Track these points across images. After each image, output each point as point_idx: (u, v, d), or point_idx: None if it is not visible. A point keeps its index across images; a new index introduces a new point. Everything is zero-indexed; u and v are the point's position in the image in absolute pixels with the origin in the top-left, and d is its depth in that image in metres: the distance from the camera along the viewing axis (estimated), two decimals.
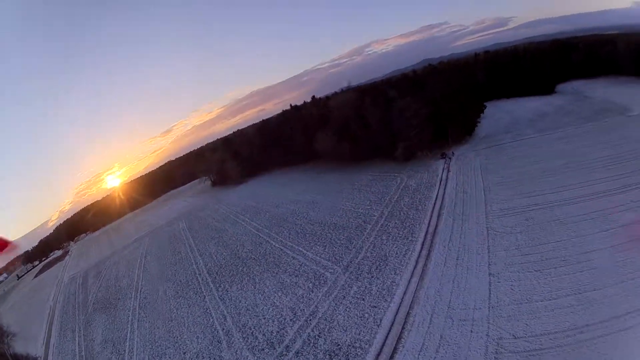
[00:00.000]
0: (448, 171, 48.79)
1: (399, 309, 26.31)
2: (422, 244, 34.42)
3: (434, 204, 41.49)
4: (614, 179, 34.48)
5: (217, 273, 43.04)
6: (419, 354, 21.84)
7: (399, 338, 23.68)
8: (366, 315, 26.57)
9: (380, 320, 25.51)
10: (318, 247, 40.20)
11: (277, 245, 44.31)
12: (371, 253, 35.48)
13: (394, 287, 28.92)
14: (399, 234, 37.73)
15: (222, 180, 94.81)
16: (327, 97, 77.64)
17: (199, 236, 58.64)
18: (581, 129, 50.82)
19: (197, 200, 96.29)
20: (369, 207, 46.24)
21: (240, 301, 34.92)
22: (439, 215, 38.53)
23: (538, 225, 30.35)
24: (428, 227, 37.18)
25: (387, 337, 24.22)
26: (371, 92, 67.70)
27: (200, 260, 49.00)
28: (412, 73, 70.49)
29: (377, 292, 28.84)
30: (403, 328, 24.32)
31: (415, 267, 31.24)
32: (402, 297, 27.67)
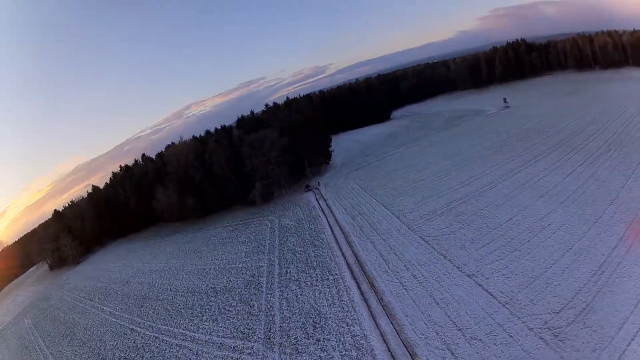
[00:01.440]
0: (324, 200, 44.05)
1: None
2: (354, 278, 26.87)
3: (333, 234, 35.09)
4: (515, 158, 39.71)
5: None
6: None
7: None
8: None
9: None
10: (207, 323, 27.63)
11: (149, 333, 30.09)
12: (290, 311, 25.56)
13: (364, 341, 20.19)
14: (312, 277, 29.27)
15: (59, 261, 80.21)
16: (161, 152, 65.25)
17: (49, 335, 42.77)
18: (445, 134, 57.23)
19: (39, 288, 73.75)
20: (248, 259, 35.86)
21: None
22: (349, 244, 32.13)
23: (474, 216, 29.27)
24: (345, 259, 30.18)
25: None
26: (212, 135, 58.87)
27: None
28: (252, 115, 66.05)
29: (344, 356, 19.47)
30: None
31: (369, 307, 22.96)
32: (388, 348, 18.68)
